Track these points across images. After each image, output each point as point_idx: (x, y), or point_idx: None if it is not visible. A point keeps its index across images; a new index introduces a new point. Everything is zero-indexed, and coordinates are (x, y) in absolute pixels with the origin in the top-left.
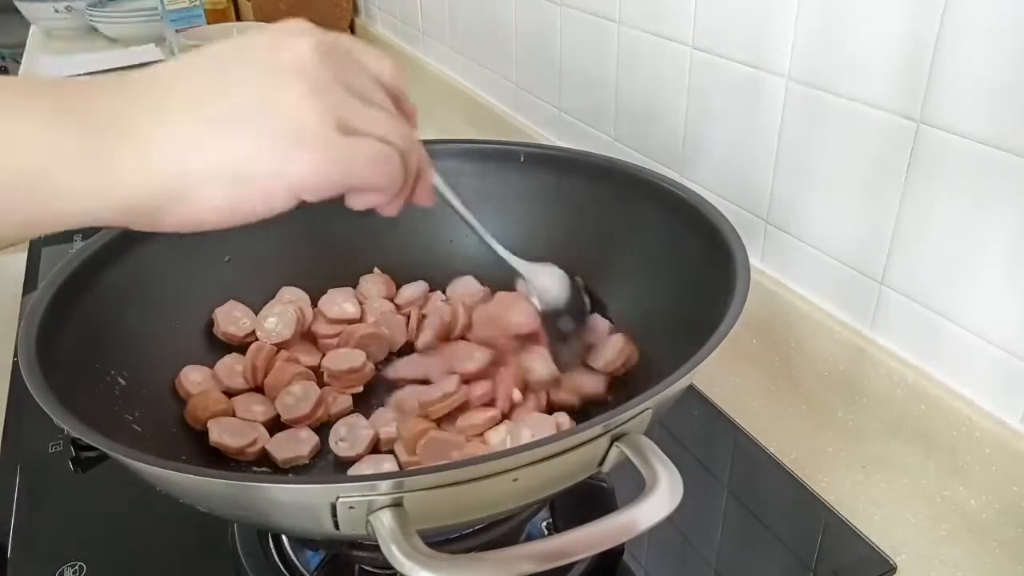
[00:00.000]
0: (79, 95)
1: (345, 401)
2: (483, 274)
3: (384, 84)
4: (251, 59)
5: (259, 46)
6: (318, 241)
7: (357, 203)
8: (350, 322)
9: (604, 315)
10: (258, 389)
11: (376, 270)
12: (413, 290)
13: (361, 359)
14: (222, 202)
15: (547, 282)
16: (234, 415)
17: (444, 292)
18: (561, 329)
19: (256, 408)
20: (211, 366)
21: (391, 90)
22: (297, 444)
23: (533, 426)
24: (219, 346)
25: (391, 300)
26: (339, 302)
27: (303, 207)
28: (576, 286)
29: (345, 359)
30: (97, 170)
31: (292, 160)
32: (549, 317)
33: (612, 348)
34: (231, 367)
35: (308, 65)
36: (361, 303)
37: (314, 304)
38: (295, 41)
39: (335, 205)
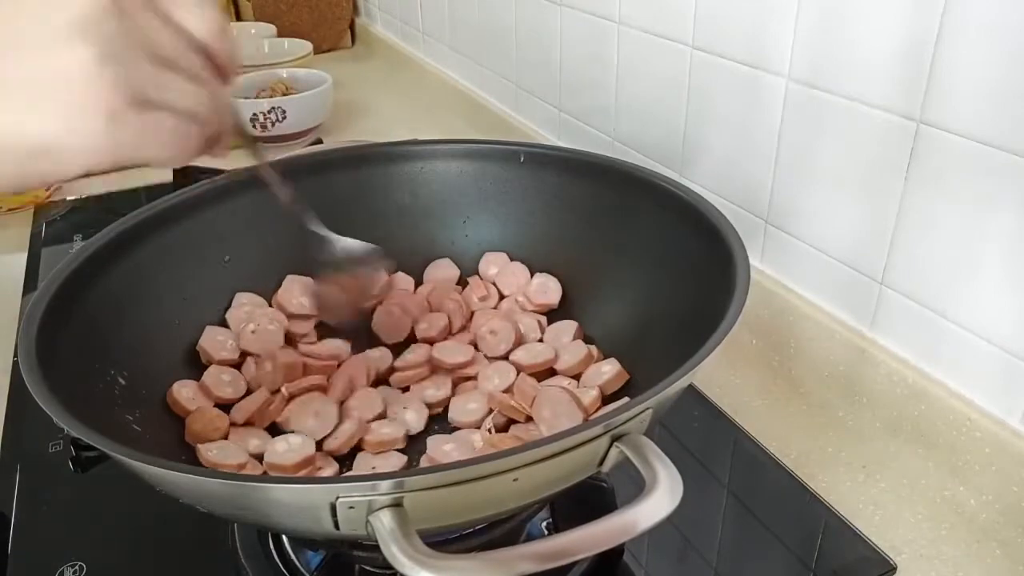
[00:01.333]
0: None
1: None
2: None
3: (196, 40)
4: (29, 16)
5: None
6: (317, 238)
7: (157, 165)
8: (309, 317)
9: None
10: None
11: None
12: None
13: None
14: (8, 174)
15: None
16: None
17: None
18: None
19: (252, 441)
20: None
21: (204, 46)
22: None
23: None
24: None
25: None
26: (296, 295)
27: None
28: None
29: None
30: None
31: (77, 132)
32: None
33: (608, 373)
34: (218, 377)
35: (98, 24)
36: None
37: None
38: None
39: (335, 204)
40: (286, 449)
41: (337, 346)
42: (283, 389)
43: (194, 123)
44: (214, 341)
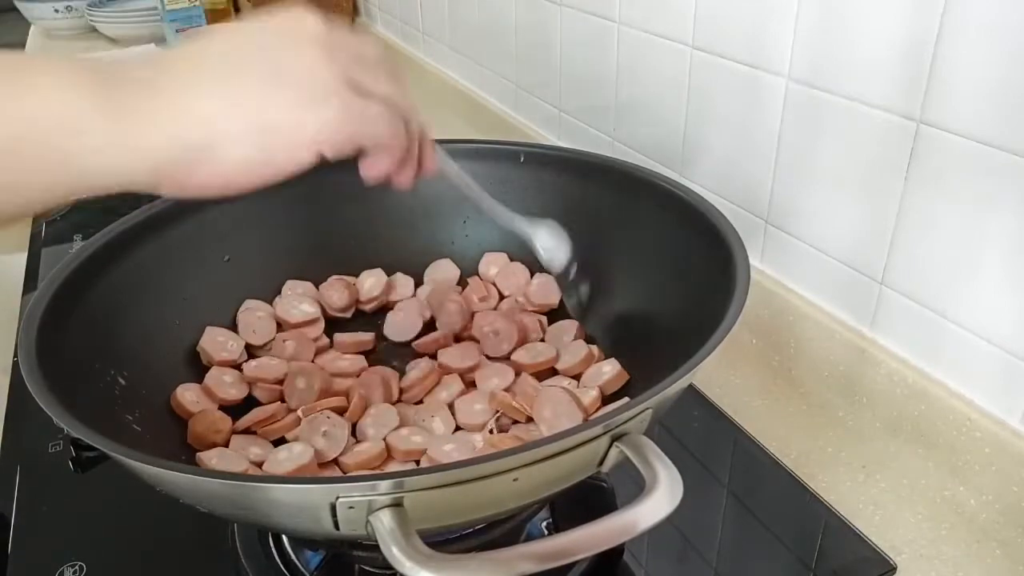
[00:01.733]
0: (114, 66)
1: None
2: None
3: (381, 61)
4: (271, 32)
5: (276, 22)
6: (317, 239)
7: (371, 169)
8: (311, 322)
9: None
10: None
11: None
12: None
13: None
14: (249, 157)
15: (551, 241)
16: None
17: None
18: (570, 278)
19: (253, 450)
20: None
21: (387, 66)
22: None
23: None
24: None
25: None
26: (297, 304)
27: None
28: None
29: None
30: (127, 129)
31: (313, 113)
32: (562, 274)
33: (609, 373)
34: (219, 379)
35: (321, 35)
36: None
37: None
38: (306, 17)
39: (335, 204)
40: (286, 457)
41: (358, 360)
42: (299, 411)
43: (398, 111)
44: (214, 342)
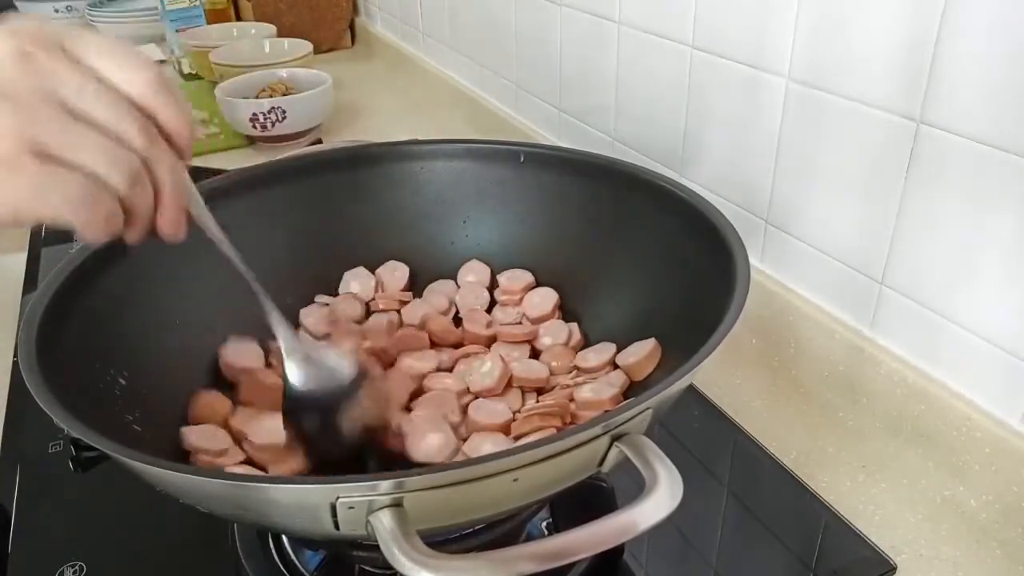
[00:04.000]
0: None
1: None
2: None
3: (130, 97)
4: None
5: None
6: (317, 239)
7: (81, 236)
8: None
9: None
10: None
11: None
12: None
13: None
14: None
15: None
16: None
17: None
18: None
19: (264, 424)
20: (209, 368)
21: (140, 103)
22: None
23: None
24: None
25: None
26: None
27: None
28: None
29: None
30: None
31: None
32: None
33: (643, 350)
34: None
35: (9, 69)
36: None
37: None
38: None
39: (335, 204)
40: (270, 428)
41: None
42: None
43: (108, 190)
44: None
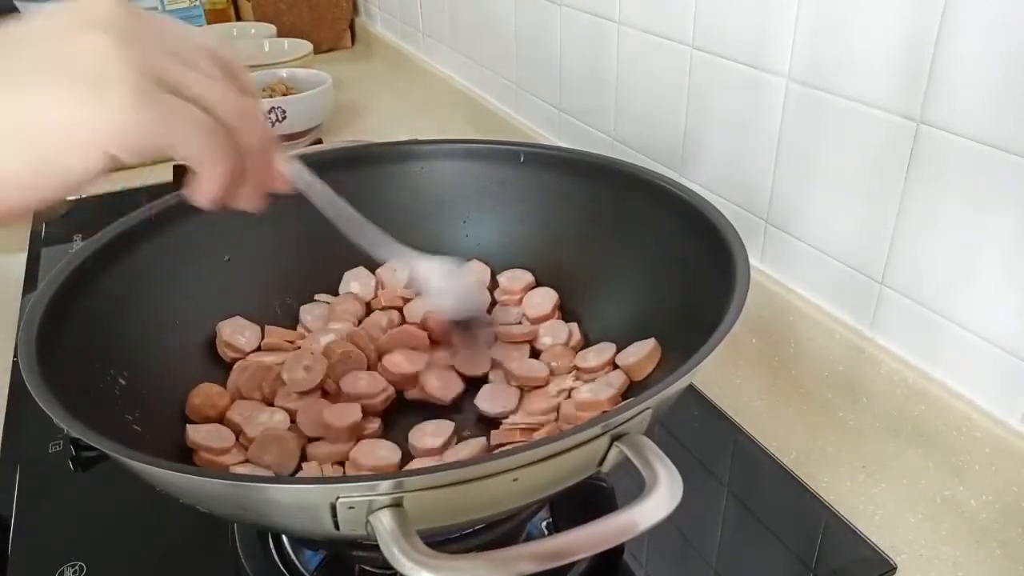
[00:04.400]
0: None
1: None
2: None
3: (212, 54)
4: (53, 16)
5: (65, 9)
6: (316, 239)
7: (199, 191)
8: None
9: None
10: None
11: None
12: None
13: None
14: (18, 171)
15: (444, 284)
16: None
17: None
18: (469, 327)
19: (261, 416)
20: (209, 367)
21: (221, 60)
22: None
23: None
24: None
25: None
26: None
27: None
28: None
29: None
30: None
31: (92, 111)
32: (455, 320)
33: (642, 350)
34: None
35: (116, 15)
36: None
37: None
38: (98, 2)
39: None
40: (266, 420)
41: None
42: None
43: (221, 122)
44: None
